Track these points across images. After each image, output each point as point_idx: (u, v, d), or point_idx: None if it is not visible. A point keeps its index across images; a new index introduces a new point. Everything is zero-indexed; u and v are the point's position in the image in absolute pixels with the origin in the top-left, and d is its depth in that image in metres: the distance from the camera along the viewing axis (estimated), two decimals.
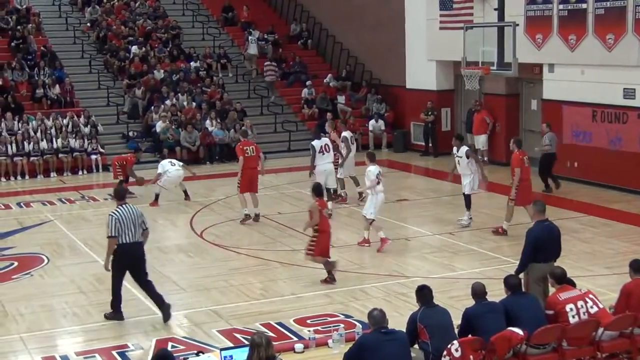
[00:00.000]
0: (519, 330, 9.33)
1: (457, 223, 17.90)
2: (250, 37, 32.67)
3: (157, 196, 20.98)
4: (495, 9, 22.13)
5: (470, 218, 17.85)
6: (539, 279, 11.30)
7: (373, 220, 16.46)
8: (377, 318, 8.94)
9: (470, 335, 9.45)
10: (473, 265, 15.08)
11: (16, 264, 16.02)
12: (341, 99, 30.94)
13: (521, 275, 11.14)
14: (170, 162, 21.39)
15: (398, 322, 9.88)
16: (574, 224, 17.73)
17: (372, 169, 16.41)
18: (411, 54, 28.50)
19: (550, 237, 11.52)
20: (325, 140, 19.75)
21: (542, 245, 11.38)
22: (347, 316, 12.47)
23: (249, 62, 32.70)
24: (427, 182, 24.24)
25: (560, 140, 22.47)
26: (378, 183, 16.33)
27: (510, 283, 10.10)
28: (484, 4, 24.43)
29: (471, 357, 9.09)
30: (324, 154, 19.27)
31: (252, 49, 32.47)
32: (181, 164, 21.64)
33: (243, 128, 23.61)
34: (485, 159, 25.31)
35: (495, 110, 25.33)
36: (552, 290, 10.43)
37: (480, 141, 25.51)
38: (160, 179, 20.89)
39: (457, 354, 9.03)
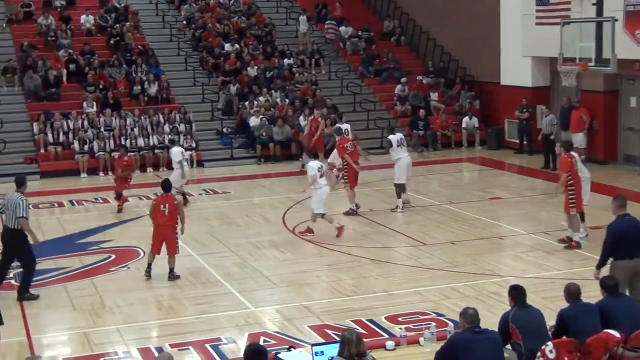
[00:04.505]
0: (615, 333, 9.13)
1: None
2: (300, 18, 34.07)
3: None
4: (593, 4, 21.68)
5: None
6: (626, 278, 10.99)
7: (323, 214, 17.25)
8: (471, 317, 8.86)
9: (564, 337, 9.29)
10: (569, 266, 14.82)
11: (114, 257, 16.41)
12: (434, 95, 30.74)
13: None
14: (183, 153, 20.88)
15: (491, 322, 9.76)
16: None
17: (312, 165, 17.35)
18: (506, 50, 28.11)
19: (633, 231, 11.26)
20: (400, 135, 20.15)
21: (624, 240, 11.19)
22: (439, 315, 12.39)
23: (302, 38, 33.82)
24: (522, 180, 23.86)
25: None
26: (321, 177, 17.18)
27: (607, 284, 9.89)
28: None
29: (566, 359, 8.93)
30: (402, 147, 19.67)
31: (303, 28, 33.86)
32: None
33: (337, 126, 23.70)
34: (583, 157, 24.78)
35: (594, 108, 24.79)
36: None
37: (578, 140, 24.95)
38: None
39: (552, 356, 8.88)
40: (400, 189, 19.58)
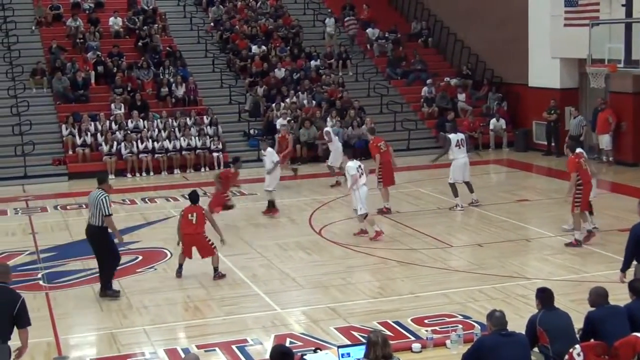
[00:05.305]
0: None
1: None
2: (327, 20, 34.34)
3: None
4: (622, 5, 21.57)
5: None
6: None
7: (366, 214, 17.05)
8: (498, 320, 8.81)
9: (592, 340, 9.22)
10: (597, 268, 14.70)
11: (140, 257, 16.47)
12: (461, 97, 30.64)
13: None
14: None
15: (518, 324, 9.70)
16: None
17: (351, 164, 16.99)
18: (534, 52, 27.97)
19: None
20: (460, 135, 19.81)
21: None
22: (465, 317, 12.34)
23: (329, 39, 34.04)
24: (549, 182, 23.70)
25: None
26: (361, 176, 16.86)
27: (636, 287, 9.79)
28: (610, 0, 23.77)
29: None
30: (460, 147, 19.37)
31: (330, 29, 34.06)
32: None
33: (371, 125, 23.67)
34: (611, 159, 24.68)
35: (623, 109, 24.60)
36: None
37: (604, 141, 24.85)
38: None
39: (579, 359, 8.81)
40: (455, 188, 19.47)
